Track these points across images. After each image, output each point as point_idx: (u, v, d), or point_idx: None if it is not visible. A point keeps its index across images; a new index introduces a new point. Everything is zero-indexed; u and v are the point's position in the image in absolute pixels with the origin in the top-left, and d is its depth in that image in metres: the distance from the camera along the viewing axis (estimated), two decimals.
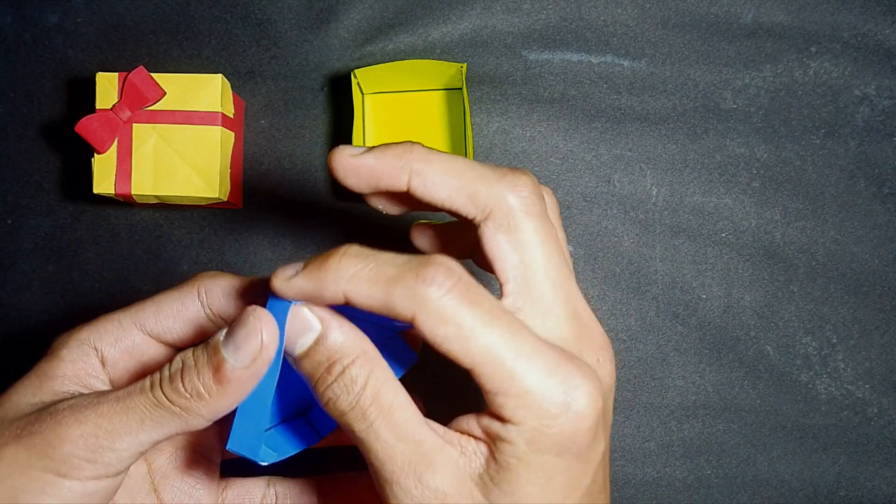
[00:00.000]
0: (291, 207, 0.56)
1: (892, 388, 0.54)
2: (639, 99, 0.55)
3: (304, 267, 0.29)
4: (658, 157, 0.55)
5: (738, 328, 0.54)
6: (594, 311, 0.56)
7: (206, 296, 0.33)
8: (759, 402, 0.54)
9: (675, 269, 0.55)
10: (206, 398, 0.29)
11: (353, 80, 0.52)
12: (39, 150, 0.57)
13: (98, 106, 0.50)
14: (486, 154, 0.55)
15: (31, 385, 0.31)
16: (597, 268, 0.55)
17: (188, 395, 0.29)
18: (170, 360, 0.30)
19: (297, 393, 0.34)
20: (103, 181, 0.50)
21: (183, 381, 0.29)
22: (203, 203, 0.52)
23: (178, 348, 0.34)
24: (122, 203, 0.55)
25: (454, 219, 0.32)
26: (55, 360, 0.32)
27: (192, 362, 0.29)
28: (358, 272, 0.28)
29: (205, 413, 0.29)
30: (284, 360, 0.30)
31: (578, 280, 0.55)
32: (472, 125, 0.54)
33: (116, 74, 0.50)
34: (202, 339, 0.32)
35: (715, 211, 0.55)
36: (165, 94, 0.50)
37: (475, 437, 0.28)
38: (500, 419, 0.27)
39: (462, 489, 0.28)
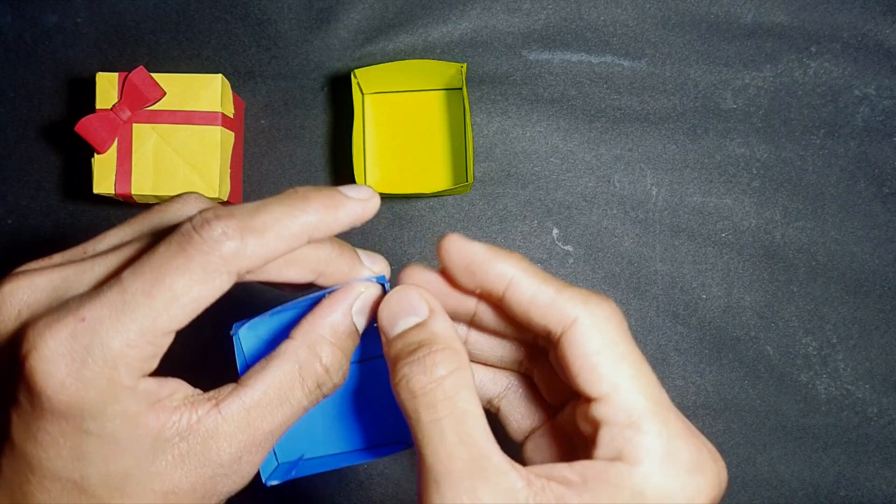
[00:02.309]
0: None
1: (892, 388, 0.54)
2: (639, 99, 0.55)
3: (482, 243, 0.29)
4: (658, 157, 0.55)
5: (738, 328, 0.54)
6: None
7: (246, 276, 0.29)
8: (759, 402, 0.54)
9: (675, 269, 0.55)
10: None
11: (353, 80, 0.52)
12: (39, 150, 0.57)
13: (98, 106, 0.50)
14: (487, 154, 0.55)
15: (133, 450, 0.27)
16: (597, 268, 0.55)
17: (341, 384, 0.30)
18: (296, 357, 0.29)
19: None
20: (103, 181, 0.50)
21: (343, 373, 0.30)
22: None
23: None
24: (122, 203, 0.55)
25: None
26: (127, 419, 0.27)
27: (343, 354, 0.30)
28: (531, 267, 0.28)
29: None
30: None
31: (578, 280, 0.55)
32: (472, 125, 0.54)
33: (116, 74, 0.50)
34: None
35: (715, 211, 0.55)
36: (165, 94, 0.50)
37: (552, 479, 0.27)
38: (611, 456, 0.26)
39: None
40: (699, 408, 0.54)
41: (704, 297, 0.54)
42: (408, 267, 0.31)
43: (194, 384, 0.29)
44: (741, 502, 0.54)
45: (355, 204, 0.29)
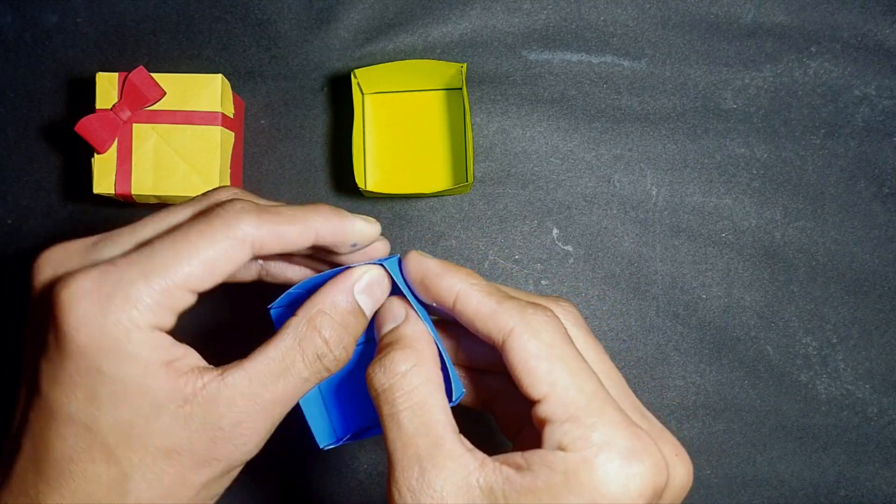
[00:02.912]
0: None
1: (892, 388, 0.54)
2: (639, 99, 0.55)
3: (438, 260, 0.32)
4: (658, 157, 0.55)
5: (738, 328, 0.54)
6: (595, 312, 0.56)
7: (261, 249, 0.31)
8: (759, 402, 0.54)
9: (675, 269, 0.55)
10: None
11: (353, 80, 0.52)
12: (39, 150, 0.57)
13: (98, 106, 0.50)
14: (486, 154, 0.55)
15: (141, 401, 0.29)
16: (597, 268, 0.55)
17: (344, 361, 0.32)
18: (297, 330, 0.32)
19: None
20: (103, 181, 0.50)
21: (346, 349, 0.32)
22: None
23: None
24: (122, 203, 0.55)
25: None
26: (139, 365, 0.29)
27: (343, 329, 0.32)
28: (477, 283, 0.31)
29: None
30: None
31: (578, 280, 0.55)
32: (472, 125, 0.54)
33: (116, 74, 0.50)
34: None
35: (715, 211, 0.55)
36: (165, 94, 0.50)
37: (507, 464, 0.29)
38: (553, 447, 0.28)
39: (465, 496, 0.28)
40: (699, 408, 0.54)
41: (704, 297, 0.54)
42: (410, 253, 0.33)
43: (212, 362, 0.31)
44: (741, 502, 0.54)
45: (359, 220, 0.33)
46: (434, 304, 0.32)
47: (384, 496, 0.54)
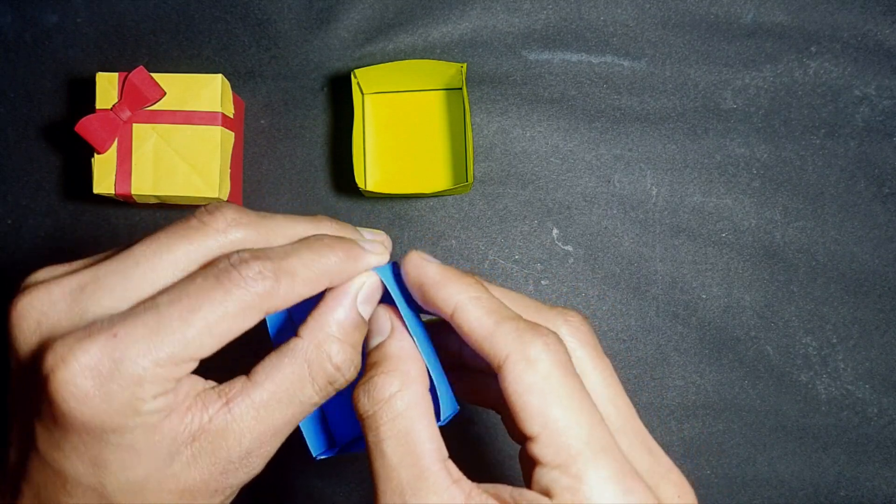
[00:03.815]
0: (291, 207, 0.56)
1: (892, 388, 0.54)
2: (639, 99, 0.55)
3: (440, 265, 0.30)
4: (658, 157, 0.55)
5: (738, 328, 0.54)
6: (595, 312, 0.56)
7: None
8: (759, 402, 0.54)
9: (675, 269, 0.55)
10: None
11: (353, 80, 0.52)
12: (39, 150, 0.57)
13: (98, 106, 0.50)
14: (486, 154, 0.55)
15: (151, 458, 0.28)
16: (597, 268, 0.55)
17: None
18: (304, 356, 0.30)
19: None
20: (103, 181, 0.50)
21: (355, 368, 0.30)
22: (203, 203, 0.52)
23: None
24: (122, 203, 0.55)
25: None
26: (146, 432, 0.28)
27: (353, 350, 0.30)
28: (479, 296, 0.29)
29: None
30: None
31: (578, 280, 0.55)
32: (472, 125, 0.54)
33: (116, 74, 0.50)
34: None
35: (715, 211, 0.55)
36: (165, 94, 0.50)
37: (494, 498, 0.27)
38: (541, 490, 0.27)
39: None
40: (699, 408, 0.54)
41: (704, 297, 0.54)
42: (410, 254, 0.31)
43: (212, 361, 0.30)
44: (741, 502, 0.54)
45: (371, 257, 0.31)
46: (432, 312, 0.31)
47: None
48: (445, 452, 0.28)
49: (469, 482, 0.28)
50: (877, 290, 0.54)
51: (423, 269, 0.30)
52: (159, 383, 0.27)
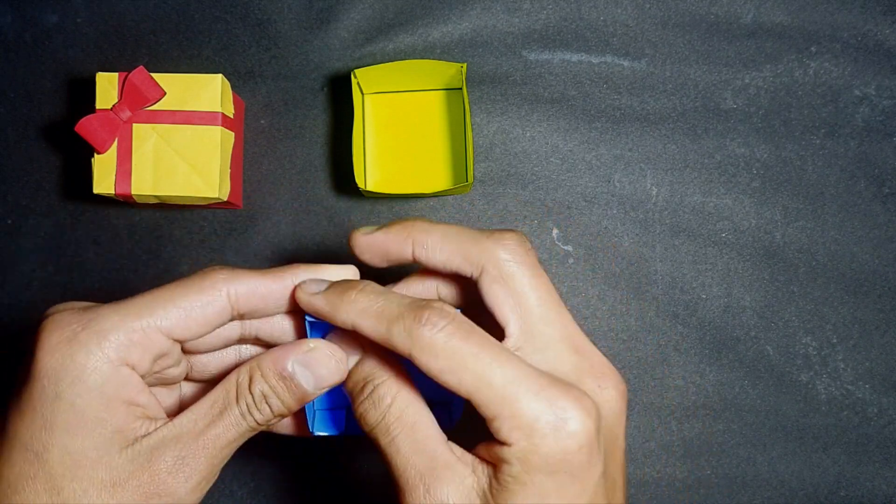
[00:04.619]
0: (291, 207, 0.56)
1: (892, 388, 0.54)
2: (639, 99, 0.55)
3: (327, 290, 0.33)
4: (658, 157, 0.55)
5: (738, 328, 0.54)
6: (595, 312, 0.56)
7: (237, 302, 0.33)
8: (759, 402, 0.54)
9: (675, 269, 0.55)
10: (288, 415, 0.34)
11: (353, 80, 0.52)
12: (39, 150, 0.57)
13: (98, 106, 0.50)
14: (486, 154, 0.55)
15: (95, 433, 0.31)
16: (597, 268, 0.55)
17: (274, 417, 0.33)
18: (238, 385, 0.33)
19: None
20: (103, 181, 0.50)
21: (270, 407, 0.33)
22: (203, 203, 0.52)
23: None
24: (122, 203, 0.55)
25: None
26: (100, 397, 0.31)
27: (270, 390, 0.33)
28: (367, 307, 0.32)
29: (277, 422, 0.34)
30: None
31: (578, 280, 0.55)
32: (472, 125, 0.54)
33: (116, 74, 0.50)
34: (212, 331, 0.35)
35: (715, 211, 0.55)
36: (165, 94, 0.50)
37: (484, 460, 0.31)
38: (499, 442, 0.30)
39: (467, 503, 0.30)
40: (699, 408, 0.54)
41: (704, 297, 0.54)
42: (296, 290, 0.34)
43: None
44: (741, 502, 0.54)
45: (335, 269, 0.35)
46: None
47: (383, 497, 0.54)
48: (444, 435, 0.32)
49: (467, 454, 0.32)
50: (877, 290, 0.54)
51: (312, 304, 0.33)
52: (126, 347, 0.31)
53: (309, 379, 0.33)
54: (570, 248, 0.55)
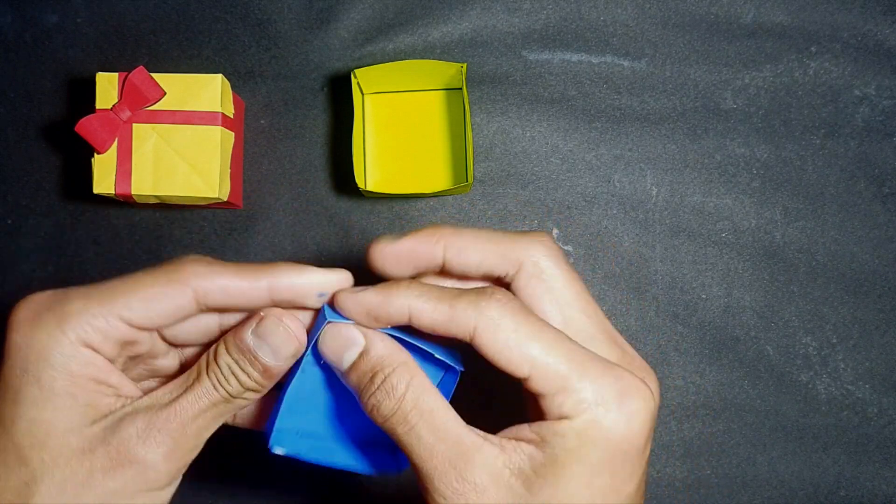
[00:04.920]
0: (291, 207, 0.56)
1: (892, 388, 0.54)
2: (639, 99, 0.55)
3: (374, 287, 0.32)
4: (658, 157, 0.55)
5: (738, 328, 0.54)
6: None
7: (205, 297, 0.33)
8: (759, 402, 0.54)
9: (675, 269, 0.55)
10: (261, 390, 0.34)
11: (353, 80, 0.52)
12: (39, 150, 0.57)
13: (98, 106, 0.50)
14: (486, 154, 0.55)
15: (66, 406, 0.31)
16: (597, 268, 0.55)
17: (246, 390, 0.33)
18: (207, 358, 0.33)
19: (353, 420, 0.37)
20: (103, 181, 0.50)
21: (238, 380, 0.33)
22: (203, 203, 0.52)
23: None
24: (122, 203, 0.55)
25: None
26: (66, 374, 0.31)
27: (235, 363, 0.33)
28: (424, 292, 0.31)
29: (254, 398, 0.34)
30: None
31: None
32: (472, 125, 0.54)
33: (116, 74, 0.50)
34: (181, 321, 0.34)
35: (715, 211, 0.55)
36: (165, 94, 0.50)
37: (520, 440, 0.30)
38: (556, 417, 0.30)
39: (500, 482, 0.30)
40: (699, 408, 0.54)
41: (704, 297, 0.55)
42: (337, 296, 0.33)
43: None
44: (741, 502, 0.54)
45: (317, 272, 0.33)
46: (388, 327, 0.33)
47: (385, 497, 0.54)
48: (459, 417, 0.31)
49: (493, 436, 0.31)
50: (877, 290, 0.54)
51: (360, 299, 0.32)
52: (89, 330, 0.31)
53: (266, 350, 0.33)
54: (570, 248, 0.55)
